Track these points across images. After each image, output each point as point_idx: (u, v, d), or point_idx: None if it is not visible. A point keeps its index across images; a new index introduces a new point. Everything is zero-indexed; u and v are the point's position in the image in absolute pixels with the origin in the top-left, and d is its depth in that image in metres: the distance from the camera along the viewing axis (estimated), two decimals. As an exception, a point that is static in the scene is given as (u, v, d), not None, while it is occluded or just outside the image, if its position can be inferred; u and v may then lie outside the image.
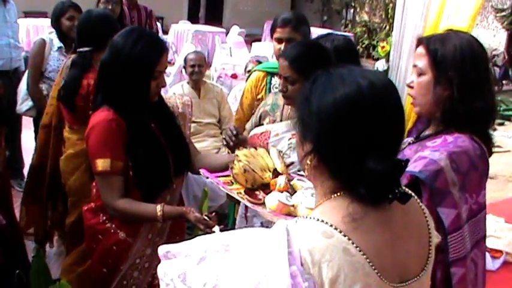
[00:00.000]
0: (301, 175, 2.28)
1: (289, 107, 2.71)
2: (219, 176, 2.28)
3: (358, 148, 1.25)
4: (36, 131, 4.61)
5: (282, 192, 2.12)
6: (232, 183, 2.24)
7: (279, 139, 2.65)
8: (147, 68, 2.38)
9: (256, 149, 2.44)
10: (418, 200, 1.47)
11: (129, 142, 2.40)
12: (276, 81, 2.84)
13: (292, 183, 2.21)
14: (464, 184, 1.88)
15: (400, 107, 1.33)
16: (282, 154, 2.44)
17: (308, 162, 1.32)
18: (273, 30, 3.18)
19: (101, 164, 2.37)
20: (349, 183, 1.28)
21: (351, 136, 1.25)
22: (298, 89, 2.49)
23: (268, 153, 2.38)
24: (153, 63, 2.39)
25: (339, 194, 1.30)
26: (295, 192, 2.14)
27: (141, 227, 2.46)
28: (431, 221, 1.46)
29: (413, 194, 1.43)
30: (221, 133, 5.35)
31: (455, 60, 1.92)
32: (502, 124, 10.09)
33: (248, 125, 2.95)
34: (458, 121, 1.93)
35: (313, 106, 1.30)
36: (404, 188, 1.33)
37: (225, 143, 2.76)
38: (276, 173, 2.24)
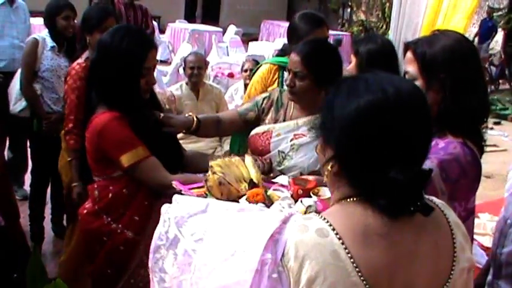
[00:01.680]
0: (279, 183, 2.22)
1: (293, 107, 2.70)
2: (192, 188, 2.18)
3: (380, 156, 1.21)
4: (28, 132, 4.57)
5: (257, 203, 2.03)
6: (206, 195, 2.11)
7: (281, 139, 2.61)
8: (134, 65, 2.37)
9: (244, 153, 2.40)
10: (449, 218, 1.37)
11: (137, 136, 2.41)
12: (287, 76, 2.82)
13: (268, 193, 2.12)
14: (453, 193, 1.83)
15: (427, 116, 1.28)
16: (256, 162, 2.36)
17: (329, 168, 1.29)
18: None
19: (130, 157, 2.35)
20: (368, 192, 1.24)
21: (374, 144, 1.20)
22: (306, 86, 2.51)
23: (244, 162, 2.29)
24: (139, 59, 2.37)
25: (352, 199, 1.27)
26: (272, 203, 2.06)
27: (148, 223, 2.44)
28: (464, 241, 1.37)
29: (445, 210, 1.37)
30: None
31: (444, 62, 1.86)
32: (498, 123, 10.11)
33: (241, 109, 2.84)
34: (452, 123, 1.88)
35: (336, 111, 1.26)
36: (432, 199, 1.30)
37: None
38: (252, 184, 2.15)
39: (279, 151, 2.58)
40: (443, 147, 1.85)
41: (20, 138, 5.09)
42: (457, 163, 1.84)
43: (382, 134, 1.20)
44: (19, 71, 4.54)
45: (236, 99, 5.95)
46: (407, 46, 1.97)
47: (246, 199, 2.04)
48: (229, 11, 20.36)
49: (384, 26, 16.95)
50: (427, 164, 1.72)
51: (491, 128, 9.07)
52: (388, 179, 1.19)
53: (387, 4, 16.65)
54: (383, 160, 1.21)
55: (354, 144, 1.22)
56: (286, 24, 15.22)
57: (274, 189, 2.15)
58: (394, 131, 1.21)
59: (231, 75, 8.66)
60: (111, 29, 2.54)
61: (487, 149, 1.99)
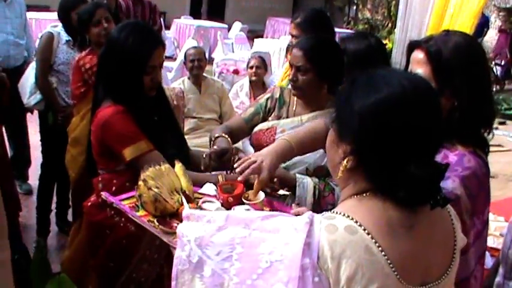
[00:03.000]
0: (208, 195, 2.15)
1: (296, 103, 2.70)
2: (123, 199, 2.11)
3: (399, 150, 1.22)
4: (42, 125, 4.61)
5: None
6: (138, 207, 2.03)
7: (285, 135, 2.57)
8: (138, 63, 2.37)
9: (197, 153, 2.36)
10: None
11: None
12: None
13: (203, 206, 2.05)
14: (474, 208, 1.79)
15: (440, 110, 1.30)
16: (204, 159, 2.37)
17: (345, 163, 1.30)
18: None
19: (133, 150, 2.35)
20: (386, 186, 1.25)
21: (393, 138, 1.22)
22: (309, 80, 2.51)
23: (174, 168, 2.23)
24: (144, 57, 2.37)
25: (368, 193, 1.29)
26: None
27: None
28: (458, 223, 1.43)
29: None
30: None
31: (461, 66, 1.75)
32: (503, 123, 10.07)
33: (246, 116, 2.81)
34: (465, 132, 1.80)
35: (355, 106, 1.26)
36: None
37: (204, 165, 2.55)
38: (185, 196, 2.08)
39: None
40: (458, 162, 1.78)
41: (21, 131, 5.13)
42: (475, 177, 1.79)
43: (401, 127, 1.22)
44: (31, 65, 4.57)
45: (241, 96, 5.94)
46: (416, 45, 1.86)
47: (179, 215, 1.96)
48: (235, 7, 20.33)
49: (390, 25, 16.91)
50: (449, 185, 1.71)
51: (496, 128, 9.03)
52: (407, 173, 1.21)
53: (393, 2, 16.61)
54: (402, 154, 1.23)
55: (375, 137, 1.23)
56: (292, 21, 15.28)
57: (204, 202, 2.08)
58: (413, 125, 1.23)
59: (236, 72, 8.65)
60: (119, 25, 2.55)
61: (492, 149, 1.93)
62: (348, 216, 1.24)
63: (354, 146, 1.27)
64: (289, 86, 2.71)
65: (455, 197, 1.71)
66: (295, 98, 2.69)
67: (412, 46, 1.87)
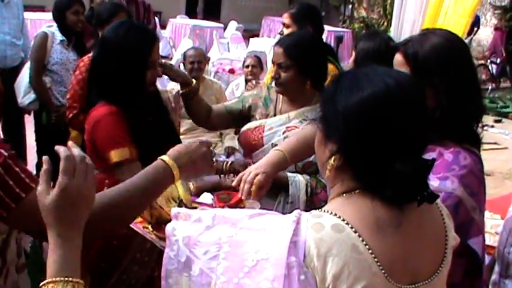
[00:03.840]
0: (205, 204, 2.16)
1: (282, 101, 2.72)
2: None
3: (385, 148, 1.22)
4: (37, 125, 4.61)
5: None
6: None
7: (273, 133, 2.62)
8: (140, 60, 2.40)
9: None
10: (437, 200, 1.41)
11: (132, 134, 2.40)
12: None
13: None
14: (478, 205, 1.81)
15: (425, 106, 1.30)
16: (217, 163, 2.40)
17: (331, 162, 1.30)
18: None
19: (118, 154, 2.35)
20: (373, 184, 1.25)
21: (378, 136, 1.22)
22: (291, 76, 2.55)
23: None
24: (145, 54, 2.41)
25: (355, 192, 1.29)
26: None
27: None
28: (450, 222, 1.43)
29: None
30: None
31: (438, 65, 1.77)
32: (499, 121, 10.09)
33: (228, 103, 2.88)
34: (450, 130, 1.80)
35: (339, 105, 1.27)
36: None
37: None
38: (181, 205, 2.10)
39: (272, 144, 2.58)
40: (454, 161, 1.79)
41: (18, 131, 5.11)
42: (473, 175, 1.80)
43: (386, 124, 1.22)
44: (27, 64, 4.57)
45: (237, 95, 5.94)
46: (397, 48, 1.89)
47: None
48: (231, 7, 20.32)
49: (385, 23, 16.91)
50: (448, 185, 1.73)
51: (492, 126, 9.06)
52: (394, 170, 1.21)
53: (389, 1, 16.61)
54: (388, 151, 1.22)
55: (359, 136, 1.23)
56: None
57: (201, 210, 2.09)
58: (398, 122, 1.23)
59: (231, 71, 8.66)
60: (112, 26, 2.55)
61: (488, 147, 1.96)
62: (335, 215, 1.24)
63: (340, 145, 1.27)
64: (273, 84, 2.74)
65: (457, 200, 1.73)
66: (281, 96, 2.71)
67: (394, 50, 1.90)
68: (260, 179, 2.01)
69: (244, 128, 2.75)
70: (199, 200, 2.18)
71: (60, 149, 1.25)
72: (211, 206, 2.12)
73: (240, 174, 2.05)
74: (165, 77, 2.71)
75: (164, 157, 1.67)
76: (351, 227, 1.21)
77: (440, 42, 1.80)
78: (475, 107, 1.83)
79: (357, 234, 1.21)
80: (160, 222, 1.98)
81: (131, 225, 1.98)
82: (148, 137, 2.42)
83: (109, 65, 2.42)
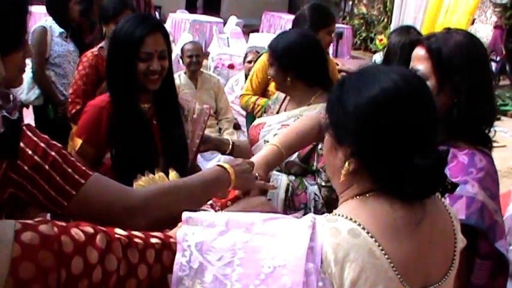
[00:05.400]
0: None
1: (288, 101, 2.80)
2: None
3: (401, 144, 1.22)
4: (39, 120, 4.59)
5: None
6: None
7: (269, 129, 2.66)
8: (130, 47, 2.32)
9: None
10: (444, 202, 1.42)
11: (111, 132, 2.38)
12: None
13: None
14: (498, 206, 1.81)
15: (433, 98, 1.30)
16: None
17: (346, 166, 1.28)
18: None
19: (75, 142, 2.42)
20: (393, 184, 1.25)
21: (394, 132, 1.22)
22: (273, 71, 2.71)
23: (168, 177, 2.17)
24: (136, 42, 2.32)
25: (370, 194, 1.28)
26: None
27: None
28: (458, 223, 1.42)
29: (438, 195, 1.39)
30: (217, 123, 5.34)
31: (461, 64, 1.77)
32: (498, 119, 10.06)
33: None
34: (465, 130, 1.81)
35: (349, 107, 1.26)
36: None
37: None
38: None
39: (264, 141, 2.61)
40: (470, 163, 1.79)
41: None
42: (490, 177, 1.81)
43: (400, 120, 1.22)
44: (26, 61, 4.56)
45: (236, 91, 5.94)
46: (419, 42, 1.89)
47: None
48: (231, 1, 20.29)
49: (385, 20, 16.90)
50: (469, 190, 1.73)
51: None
52: (413, 165, 1.20)
53: (389, -3, 16.59)
54: (404, 147, 1.22)
55: (375, 135, 1.22)
56: (288, 16, 15.15)
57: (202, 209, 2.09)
58: (411, 116, 1.23)
59: (231, 67, 8.64)
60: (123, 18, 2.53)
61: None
62: (351, 219, 1.22)
63: (355, 148, 1.25)
64: None
65: (481, 204, 1.73)
66: (288, 96, 2.81)
67: (414, 43, 1.90)
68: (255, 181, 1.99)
69: (252, 124, 2.84)
70: None
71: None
72: (209, 206, 2.09)
73: None
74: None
75: (221, 163, 1.72)
76: (367, 232, 1.20)
77: (465, 42, 1.81)
78: (491, 109, 1.84)
79: (373, 239, 1.20)
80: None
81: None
82: (129, 138, 2.38)
83: (108, 55, 2.45)
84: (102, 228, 1.16)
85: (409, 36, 3.43)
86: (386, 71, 1.30)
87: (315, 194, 2.45)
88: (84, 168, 1.45)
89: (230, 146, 2.75)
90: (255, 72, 4.00)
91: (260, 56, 4.07)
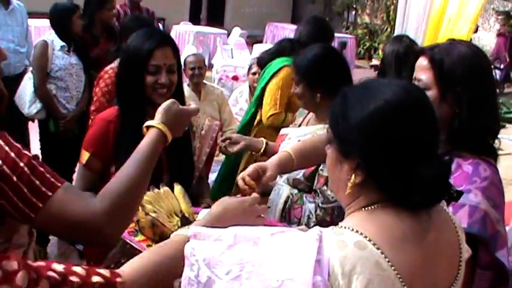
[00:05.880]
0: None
1: (311, 115, 2.81)
2: None
3: (406, 154, 1.23)
4: (42, 133, 4.61)
5: None
6: (137, 231, 2.03)
7: (288, 142, 2.70)
8: (138, 60, 2.33)
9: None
10: (449, 212, 1.42)
11: (116, 145, 2.39)
12: None
13: None
14: (501, 217, 1.82)
15: (433, 109, 1.31)
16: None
17: (353, 179, 1.29)
18: None
19: (83, 155, 2.41)
20: (399, 194, 1.25)
21: (399, 142, 1.23)
22: (301, 90, 2.67)
23: (173, 192, 2.21)
24: (144, 54, 2.32)
25: (375, 206, 1.28)
26: None
27: None
28: (462, 233, 1.42)
29: (443, 205, 1.40)
30: (221, 135, 5.34)
31: (463, 74, 1.78)
32: (503, 127, 9.99)
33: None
34: (467, 140, 1.82)
35: (353, 120, 1.27)
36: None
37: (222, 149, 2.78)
38: (184, 219, 2.08)
39: None
40: (475, 172, 1.79)
41: (22, 140, 5.11)
42: (494, 187, 1.81)
43: (404, 129, 1.23)
44: (27, 74, 4.59)
45: (241, 102, 5.94)
46: (422, 52, 1.90)
47: None
48: (234, 13, 20.36)
49: (389, 29, 16.93)
50: (472, 199, 1.73)
51: (496, 132, 9.04)
52: (419, 174, 1.21)
53: (392, 7, 16.64)
54: (409, 157, 1.23)
55: (381, 147, 1.23)
56: (291, 26, 15.18)
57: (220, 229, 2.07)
58: (413, 124, 1.24)
59: (235, 78, 8.66)
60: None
61: None
62: (357, 231, 1.22)
63: (360, 160, 1.26)
64: None
65: (484, 213, 1.74)
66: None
67: (417, 53, 1.92)
68: (263, 179, 2.00)
69: (280, 132, 2.91)
70: (200, 217, 2.13)
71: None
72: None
73: (244, 172, 2.04)
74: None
75: (151, 122, 1.76)
76: (373, 244, 1.20)
77: (468, 53, 1.82)
78: (493, 120, 1.86)
79: (380, 250, 1.20)
80: (164, 239, 1.98)
81: (134, 245, 1.96)
82: (127, 150, 2.39)
83: (118, 68, 2.49)
84: (33, 264, 1.09)
85: (402, 45, 3.59)
86: (387, 83, 1.31)
87: (310, 211, 2.45)
88: (53, 179, 1.41)
89: (264, 145, 2.73)
90: (280, 89, 3.89)
91: (278, 71, 3.97)
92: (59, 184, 1.41)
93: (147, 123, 1.76)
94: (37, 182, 1.37)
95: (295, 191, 2.54)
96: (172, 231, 1.97)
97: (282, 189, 2.54)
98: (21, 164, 1.37)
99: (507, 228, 2.16)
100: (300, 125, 2.84)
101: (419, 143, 1.24)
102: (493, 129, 1.87)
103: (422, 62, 1.88)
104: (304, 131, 2.71)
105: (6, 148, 1.38)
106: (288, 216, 2.48)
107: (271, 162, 2.05)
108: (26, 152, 1.40)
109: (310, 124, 2.79)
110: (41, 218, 1.38)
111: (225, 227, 1.31)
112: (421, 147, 1.24)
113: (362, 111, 1.25)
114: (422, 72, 1.86)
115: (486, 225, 1.74)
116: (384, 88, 1.28)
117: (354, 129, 1.26)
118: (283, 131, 2.88)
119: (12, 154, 1.38)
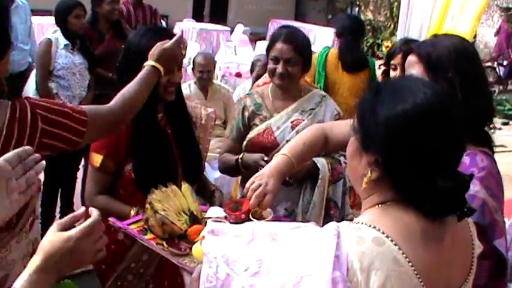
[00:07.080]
0: (214, 217, 2.12)
1: (273, 100, 2.90)
2: (130, 224, 2.08)
3: (426, 161, 1.22)
4: None
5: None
6: (146, 230, 2.03)
7: (283, 130, 2.78)
8: (142, 56, 2.29)
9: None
10: None
11: (133, 143, 2.39)
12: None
13: None
14: (499, 206, 1.84)
15: (462, 118, 1.30)
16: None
17: (369, 174, 1.29)
18: None
19: (95, 158, 2.40)
20: (412, 197, 1.26)
21: (421, 148, 1.22)
22: (298, 70, 2.81)
23: (181, 190, 2.21)
24: (145, 53, 2.28)
25: (390, 203, 1.29)
26: None
27: None
28: (474, 229, 1.43)
29: None
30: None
31: (451, 59, 1.83)
32: (506, 123, 10.06)
33: (228, 131, 3.03)
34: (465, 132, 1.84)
35: (380, 116, 1.26)
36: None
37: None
38: (192, 217, 2.08)
39: (287, 141, 2.65)
40: (472, 163, 1.82)
41: None
42: (492, 176, 1.84)
43: (429, 137, 1.22)
44: (33, 72, 4.60)
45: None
46: (410, 51, 1.95)
47: (190, 238, 1.95)
48: (237, 10, 20.37)
49: (392, 26, 16.91)
50: (472, 189, 1.70)
51: (500, 129, 9.03)
52: (436, 185, 1.21)
53: (395, 3, 16.61)
54: (429, 164, 1.23)
55: (403, 148, 1.23)
56: (294, 23, 15.16)
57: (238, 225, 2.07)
58: (439, 133, 1.23)
59: (238, 75, 8.66)
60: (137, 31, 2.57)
61: (495, 149, 1.96)
62: (374, 227, 1.23)
63: (380, 157, 1.26)
64: (253, 90, 3.09)
65: (482, 201, 1.76)
66: (269, 95, 2.92)
67: (407, 53, 1.98)
68: (262, 191, 1.96)
69: (251, 135, 2.85)
70: (208, 214, 2.14)
71: (94, 211, 1.42)
72: (225, 218, 2.09)
73: (249, 182, 2.03)
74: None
75: (149, 62, 2.18)
76: (391, 240, 1.21)
77: (452, 42, 1.89)
78: (486, 104, 1.87)
79: (397, 246, 1.20)
80: (173, 237, 1.98)
81: (145, 243, 1.97)
82: (150, 149, 2.40)
83: (125, 67, 2.45)
84: None
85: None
86: (420, 84, 1.30)
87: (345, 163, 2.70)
88: (78, 110, 1.93)
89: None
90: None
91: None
92: (85, 110, 1.94)
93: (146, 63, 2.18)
94: (75, 115, 1.89)
95: (323, 158, 2.80)
96: (181, 229, 2.00)
97: (321, 161, 2.77)
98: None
99: (507, 224, 2.17)
100: (271, 114, 2.87)
101: (440, 154, 1.23)
102: (487, 113, 1.89)
103: (410, 58, 1.94)
104: (287, 113, 2.84)
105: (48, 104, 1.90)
106: (332, 178, 2.79)
107: (271, 171, 2.00)
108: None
109: (278, 106, 2.88)
110: (86, 137, 1.92)
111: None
112: (441, 158, 1.24)
113: (389, 110, 1.25)
114: (412, 67, 1.91)
115: (485, 213, 1.76)
116: (416, 90, 1.27)
117: (379, 126, 1.26)
118: (258, 129, 2.86)
119: (54, 106, 1.88)
